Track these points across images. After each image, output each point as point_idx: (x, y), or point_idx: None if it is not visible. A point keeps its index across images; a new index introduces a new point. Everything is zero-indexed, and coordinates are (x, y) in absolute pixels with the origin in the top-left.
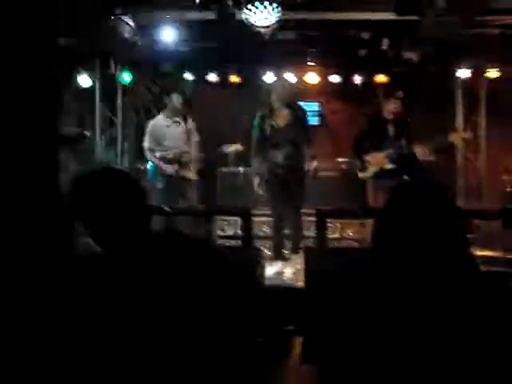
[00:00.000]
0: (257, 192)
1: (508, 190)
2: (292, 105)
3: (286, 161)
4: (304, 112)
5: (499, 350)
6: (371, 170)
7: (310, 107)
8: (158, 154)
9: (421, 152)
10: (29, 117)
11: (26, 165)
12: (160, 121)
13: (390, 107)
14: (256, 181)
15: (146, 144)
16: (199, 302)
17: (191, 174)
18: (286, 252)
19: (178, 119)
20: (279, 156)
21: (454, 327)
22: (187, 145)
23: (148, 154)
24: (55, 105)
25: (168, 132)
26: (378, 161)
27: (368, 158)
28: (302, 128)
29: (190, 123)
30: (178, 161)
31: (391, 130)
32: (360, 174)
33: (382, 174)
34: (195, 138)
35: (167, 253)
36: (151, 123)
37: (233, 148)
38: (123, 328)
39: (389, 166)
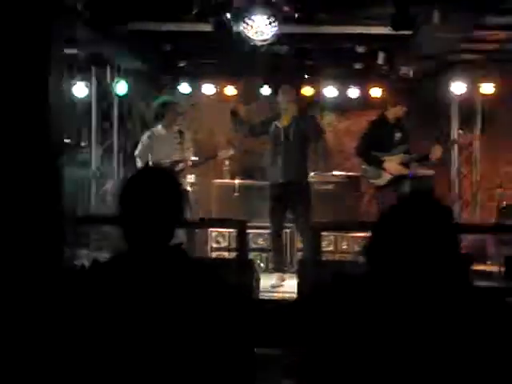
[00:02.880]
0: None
1: (503, 204)
2: (296, 100)
3: (287, 168)
4: (306, 107)
5: (493, 363)
6: (386, 177)
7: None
8: (150, 163)
9: (437, 150)
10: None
11: (25, 174)
12: (157, 131)
13: (398, 112)
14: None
15: (137, 152)
16: (191, 317)
17: (186, 187)
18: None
19: (174, 131)
20: (284, 163)
21: (447, 342)
22: (181, 157)
23: (139, 162)
24: (54, 114)
25: (163, 143)
26: (394, 167)
27: (385, 165)
28: (306, 121)
29: (185, 136)
30: (172, 170)
31: (397, 134)
32: (375, 182)
33: (394, 181)
34: (189, 151)
35: (166, 267)
36: (147, 133)
37: (226, 153)
38: (116, 339)
39: (405, 172)
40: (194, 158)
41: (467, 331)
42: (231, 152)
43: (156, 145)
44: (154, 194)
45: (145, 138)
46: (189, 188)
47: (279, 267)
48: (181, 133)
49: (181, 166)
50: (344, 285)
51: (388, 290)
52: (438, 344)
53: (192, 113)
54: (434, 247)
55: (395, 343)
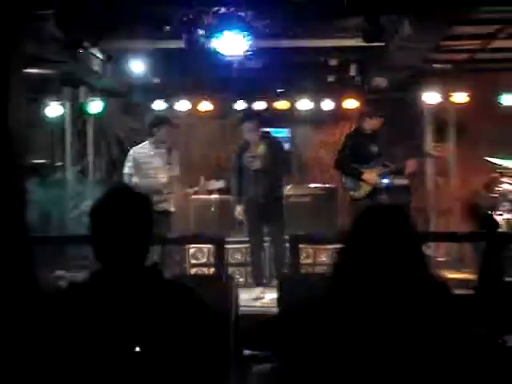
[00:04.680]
0: (237, 218)
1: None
2: (265, 136)
3: (264, 189)
4: (278, 141)
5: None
6: (365, 189)
7: (280, 134)
8: (137, 181)
9: (411, 164)
10: None
11: None
12: (144, 149)
13: (373, 124)
14: (237, 208)
15: (127, 170)
16: (165, 336)
17: (171, 208)
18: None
19: (162, 150)
20: (258, 185)
21: (416, 344)
22: (167, 177)
23: (127, 180)
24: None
25: (151, 161)
26: (372, 179)
27: (364, 176)
28: (279, 156)
29: (174, 156)
30: (156, 191)
31: (373, 146)
32: (355, 194)
33: (373, 193)
34: (176, 171)
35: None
36: (135, 150)
37: (218, 185)
38: (91, 359)
39: (382, 184)
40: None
41: (425, 326)
42: (221, 184)
43: (144, 164)
44: (123, 213)
45: (131, 156)
46: (172, 209)
47: (259, 281)
48: (170, 151)
49: (168, 189)
50: (321, 296)
51: (358, 299)
52: (408, 345)
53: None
54: (398, 256)
55: (368, 347)
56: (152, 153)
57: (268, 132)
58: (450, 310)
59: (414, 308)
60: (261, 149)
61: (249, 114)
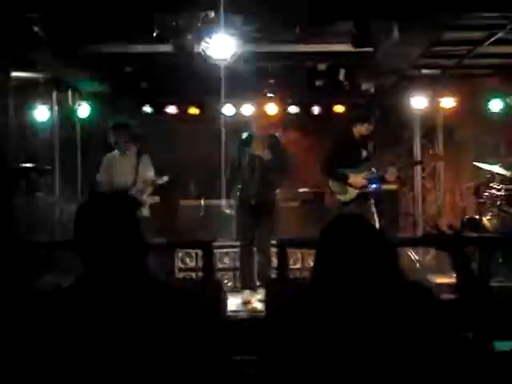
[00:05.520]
0: (230, 216)
1: (466, 217)
2: (271, 135)
3: (258, 190)
4: (282, 143)
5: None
6: (352, 192)
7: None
8: (107, 188)
9: (392, 172)
10: None
11: None
12: (112, 155)
13: (362, 129)
14: (224, 202)
15: (98, 177)
16: (154, 341)
17: (144, 212)
18: (258, 283)
19: (128, 153)
20: (252, 184)
21: (389, 345)
22: (138, 180)
23: (99, 188)
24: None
25: (118, 166)
26: (358, 183)
27: (350, 180)
28: (280, 159)
29: (145, 158)
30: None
31: (363, 151)
32: (341, 197)
33: (360, 197)
34: (149, 173)
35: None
36: (105, 157)
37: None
38: (78, 365)
39: (370, 188)
40: (163, 179)
41: (400, 326)
42: (164, 178)
43: (112, 168)
44: (106, 219)
45: (103, 161)
46: (145, 213)
47: (249, 284)
48: (139, 155)
49: (134, 189)
50: (305, 301)
51: (335, 302)
52: (383, 347)
53: (154, 133)
54: (368, 260)
55: (345, 348)
56: (118, 158)
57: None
58: (434, 316)
59: (389, 313)
60: (264, 147)
61: None
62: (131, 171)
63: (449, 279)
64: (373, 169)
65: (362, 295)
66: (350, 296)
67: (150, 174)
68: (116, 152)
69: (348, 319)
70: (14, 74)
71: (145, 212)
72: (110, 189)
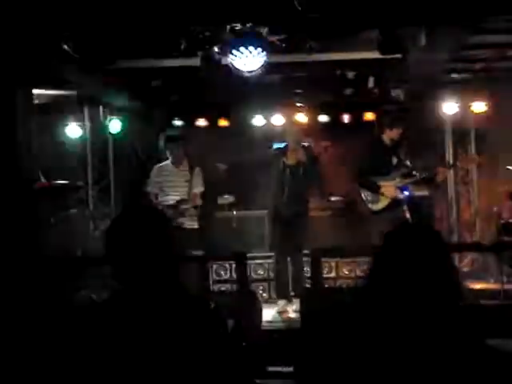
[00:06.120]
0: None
1: (501, 222)
2: (306, 145)
3: (291, 200)
4: (315, 155)
5: None
6: (385, 201)
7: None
8: (159, 199)
9: (442, 172)
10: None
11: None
12: (165, 166)
13: (393, 134)
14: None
15: (149, 188)
16: (189, 355)
17: (195, 224)
18: (292, 293)
19: (183, 167)
20: (285, 195)
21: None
22: (189, 193)
23: (148, 198)
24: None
25: (171, 178)
26: (390, 192)
27: (382, 189)
28: (312, 169)
29: (196, 173)
30: (177, 208)
31: (394, 158)
32: (373, 207)
33: (393, 205)
34: (200, 187)
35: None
36: (156, 168)
37: (227, 199)
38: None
39: (401, 196)
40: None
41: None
42: (230, 199)
43: (164, 180)
44: (138, 231)
45: (153, 172)
46: (187, 225)
47: (284, 294)
48: (191, 169)
49: (186, 205)
50: (347, 310)
51: (388, 315)
52: (432, 368)
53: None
54: (430, 274)
55: (395, 366)
56: (171, 171)
57: (309, 143)
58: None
59: (445, 337)
60: (297, 157)
61: None
62: (184, 184)
63: (486, 285)
64: (414, 172)
65: (419, 311)
66: (407, 309)
67: (201, 187)
68: (167, 163)
69: (400, 334)
70: (47, 92)
71: (195, 225)
72: (161, 200)
